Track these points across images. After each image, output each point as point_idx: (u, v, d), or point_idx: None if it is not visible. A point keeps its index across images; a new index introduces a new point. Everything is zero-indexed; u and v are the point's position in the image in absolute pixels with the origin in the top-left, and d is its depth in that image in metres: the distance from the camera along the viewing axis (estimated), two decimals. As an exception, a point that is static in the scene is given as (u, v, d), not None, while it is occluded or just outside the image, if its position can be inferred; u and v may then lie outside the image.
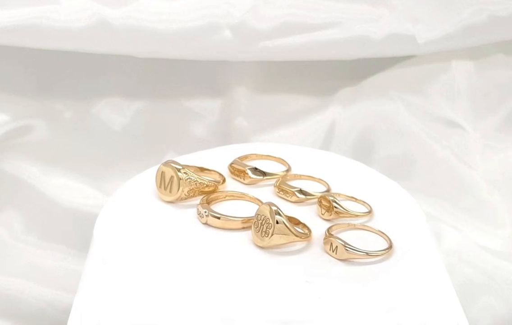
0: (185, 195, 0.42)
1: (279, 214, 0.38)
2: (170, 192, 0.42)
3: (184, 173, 0.41)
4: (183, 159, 0.45)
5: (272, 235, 0.38)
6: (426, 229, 0.42)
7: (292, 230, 0.38)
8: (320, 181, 0.46)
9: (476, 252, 0.61)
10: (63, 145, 0.64)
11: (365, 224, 0.42)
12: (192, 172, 0.42)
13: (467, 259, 0.61)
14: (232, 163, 0.46)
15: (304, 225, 0.40)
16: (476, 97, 0.66)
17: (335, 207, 0.42)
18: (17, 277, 0.61)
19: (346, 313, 0.35)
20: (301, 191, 0.44)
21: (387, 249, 0.39)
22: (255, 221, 0.39)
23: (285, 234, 0.38)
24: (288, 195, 0.44)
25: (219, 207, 0.42)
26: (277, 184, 0.44)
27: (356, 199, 0.44)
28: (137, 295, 0.36)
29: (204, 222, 0.40)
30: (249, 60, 0.64)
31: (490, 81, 0.67)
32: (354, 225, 0.42)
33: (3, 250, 0.62)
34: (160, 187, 0.42)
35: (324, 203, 0.42)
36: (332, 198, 0.42)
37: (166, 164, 0.42)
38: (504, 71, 0.67)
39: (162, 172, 0.42)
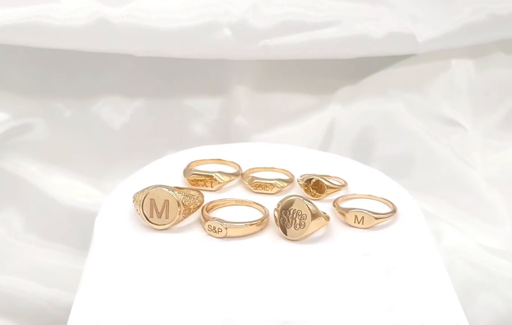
0: (182, 217, 0.39)
1: (310, 202, 0.39)
2: (167, 218, 0.39)
3: (178, 193, 0.39)
4: (133, 184, 0.44)
5: (309, 224, 0.38)
6: (425, 227, 0.42)
7: (322, 214, 0.39)
8: (281, 170, 0.46)
9: (476, 251, 0.61)
10: (63, 144, 0.64)
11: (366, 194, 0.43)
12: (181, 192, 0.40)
13: (466, 257, 0.61)
14: (190, 174, 0.44)
15: None
16: (476, 95, 0.66)
17: (327, 184, 0.43)
18: (17, 276, 0.61)
19: (346, 313, 0.35)
20: (278, 181, 0.44)
21: (393, 211, 0.41)
22: (282, 217, 0.39)
23: (318, 220, 0.39)
24: (267, 188, 0.44)
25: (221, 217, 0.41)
26: (250, 182, 0.44)
27: (329, 176, 0.44)
28: (137, 294, 0.36)
29: (223, 235, 0.39)
30: (248, 59, 0.64)
31: (490, 80, 0.67)
32: (354, 195, 0.43)
33: (3, 248, 0.62)
34: (151, 217, 0.39)
35: (311, 184, 0.43)
36: (321, 178, 0.43)
37: (154, 190, 0.39)
38: (504, 69, 0.67)
39: (150, 199, 0.39)
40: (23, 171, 0.62)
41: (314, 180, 0.43)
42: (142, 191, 0.40)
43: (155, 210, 0.39)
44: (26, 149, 0.63)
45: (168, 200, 0.39)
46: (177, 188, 0.41)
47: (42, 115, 0.63)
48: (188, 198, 0.40)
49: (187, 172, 0.45)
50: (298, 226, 0.38)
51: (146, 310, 0.35)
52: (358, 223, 0.40)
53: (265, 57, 0.62)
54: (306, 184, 0.43)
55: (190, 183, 0.44)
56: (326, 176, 0.44)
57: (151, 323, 0.34)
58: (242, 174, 0.45)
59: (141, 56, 0.61)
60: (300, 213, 0.38)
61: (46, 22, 0.57)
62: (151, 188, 0.39)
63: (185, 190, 0.41)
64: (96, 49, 0.60)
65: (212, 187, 0.43)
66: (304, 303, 0.35)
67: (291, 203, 0.39)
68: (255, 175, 0.45)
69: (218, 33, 0.59)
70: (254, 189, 0.44)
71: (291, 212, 0.38)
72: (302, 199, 0.38)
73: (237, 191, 0.44)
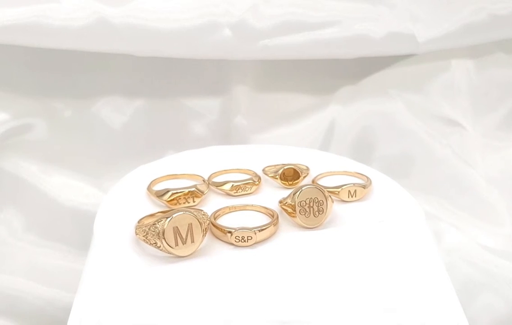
0: (203, 237, 0.38)
1: (324, 189, 0.40)
2: (193, 241, 0.37)
3: (196, 213, 0.37)
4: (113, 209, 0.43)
5: (326, 208, 0.40)
6: (425, 227, 0.42)
7: (330, 197, 0.40)
8: (242, 170, 0.46)
9: (476, 251, 0.61)
10: (63, 144, 0.64)
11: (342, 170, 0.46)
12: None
13: (466, 257, 0.61)
14: (168, 194, 0.42)
15: None
16: (476, 95, 0.67)
17: (303, 171, 0.45)
18: (17, 276, 0.61)
19: (346, 313, 0.35)
20: (255, 179, 0.44)
21: (369, 182, 0.44)
22: (300, 208, 0.40)
23: (330, 202, 0.40)
24: (247, 188, 0.44)
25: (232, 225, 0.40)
26: (229, 188, 0.44)
27: (291, 163, 0.46)
28: (137, 294, 0.36)
29: (253, 242, 0.38)
30: (248, 59, 0.64)
31: (490, 80, 0.67)
32: (330, 172, 0.46)
33: (3, 248, 0.62)
34: (177, 245, 0.37)
35: (287, 173, 0.45)
36: (293, 166, 0.45)
37: (178, 215, 0.37)
38: (503, 69, 0.67)
39: (173, 228, 0.36)
40: (23, 171, 0.62)
41: (285, 169, 0.45)
42: (153, 219, 0.38)
43: (179, 237, 0.37)
44: (26, 149, 0.63)
45: (191, 223, 0.37)
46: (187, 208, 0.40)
47: (42, 115, 0.63)
48: (202, 216, 0.38)
49: (157, 192, 0.43)
50: (317, 212, 0.40)
51: (146, 310, 0.35)
52: (352, 196, 0.42)
53: (265, 57, 0.62)
54: (278, 175, 0.45)
55: (169, 204, 0.42)
56: (290, 163, 0.45)
57: (151, 323, 0.34)
58: (209, 183, 0.44)
59: (141, 56, 0.61)
60: (317, 200, 0.40)
61: (46, 22, 0.57)
62: (166, 216, 0.37)
63: (192, 210, 0.39)
64: (96, 49, 0.60)
65: (194, 201, 0.42)
66: (307, 303, 0.35)
67: (307, 193, 0.40)
68: (220, 179, 0.45)
69: (218, 33, 0.59)
70: (235, 192, 0.44)
71: (308, 202, 0.40)
72: (316, 187, 0.40)
73: (218, 199, 0.44)
